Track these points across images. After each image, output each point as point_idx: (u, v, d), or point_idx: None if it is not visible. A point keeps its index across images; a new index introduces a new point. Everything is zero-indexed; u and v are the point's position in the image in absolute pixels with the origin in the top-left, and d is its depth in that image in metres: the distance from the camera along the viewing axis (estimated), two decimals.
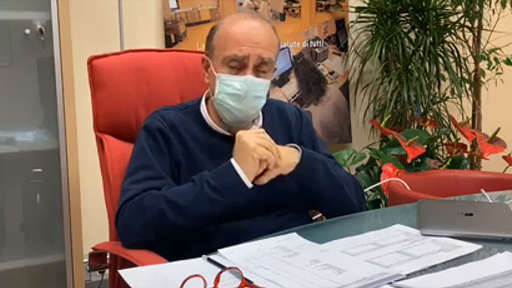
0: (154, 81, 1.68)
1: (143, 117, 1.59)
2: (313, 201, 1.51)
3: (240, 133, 1.35)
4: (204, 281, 0.95)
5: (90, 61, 1.62)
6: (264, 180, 1.34)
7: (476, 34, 3.18)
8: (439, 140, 3.10)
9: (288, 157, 1.39)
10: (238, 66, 1.42)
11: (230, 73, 1.43)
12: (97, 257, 1.55)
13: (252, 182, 1.33)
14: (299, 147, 1.42)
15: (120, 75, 1.65)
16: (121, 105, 1.64)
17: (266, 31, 1.45)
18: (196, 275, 0.95)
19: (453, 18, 3.14)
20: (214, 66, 1.46)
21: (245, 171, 1.31)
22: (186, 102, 1.61)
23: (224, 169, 1.33)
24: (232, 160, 1.33)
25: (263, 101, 1.48)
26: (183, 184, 1.39)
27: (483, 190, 1.70)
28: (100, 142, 1.63)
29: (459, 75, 3.11)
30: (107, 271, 1.60)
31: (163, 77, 1.70)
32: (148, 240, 1.34)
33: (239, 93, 1.41)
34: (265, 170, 1.34)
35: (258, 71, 1.43)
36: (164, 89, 1.70)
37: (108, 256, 1.56)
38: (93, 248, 1.54)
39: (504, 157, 2.80)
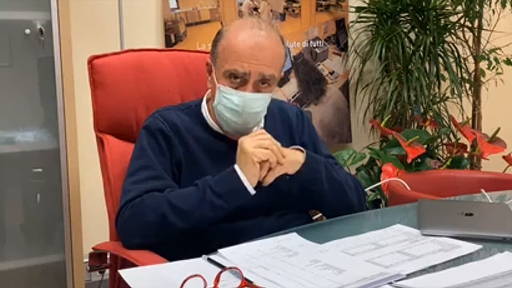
0: (154, 81, 1.68)
1: (143, 117, 1.59)
2: (314, 202, 1.51)
3: (241, 139, 1.35)
4: (204, 281, 0.95)
5: (90, 61, 1.62)
6: (270, 180, 1.33)
7: (476, 34, 3.18)
8: (439, 140, 3.10)
9: (293, 156, 1.38)
10: (238, 80, 1.40)
11: (230, 86, 1.40)
12: (98, 257, 1.55)
13: (257, 187, 1.32)
14: (303, 149, 1.42)
15: (120, 74, 1.65)
16: (121, 105, 1.64)
17: (271, 45, 1.41)
18: (196, 275, 0.95)
19: (453, 18, 3.13)
20: (216, 74, 1.44)
21: (247, 176, 1.31)
22: (187, 102, 1.61)
23: (227, 174, 1.33)
24: (235, 166, 1.32)
25: (263, 114, 1.47)
26: (184, 185, 1.39)
27: (483, 190, 1.70)
28: (100, 142, 1.63)
29: (459, 75, 3.11)
30: (107, 271, 1.60)
31: (164, 76, 1.70)
32: (148, 242, 1.34)
33: (236, 108, 1.40)
34: (270, 170, 1.33)
35: (259, 86, 1.41)
36: (165, 89, 1.69)
37: (108, 256, 1.56)
38: (93, 248, 1.54)
39: (504, 157, 2.80)
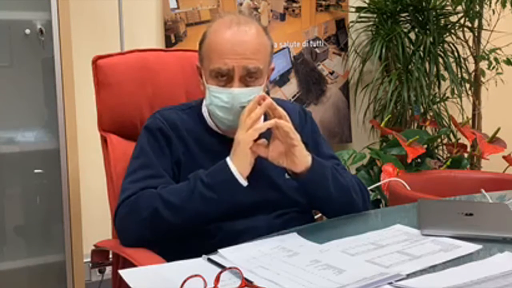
0: (159, 81, 1.68)
1: (147, 116, 1.58)
2: (319, 206, 1.50)
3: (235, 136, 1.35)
4: (204, 281, 0.96)
5: (95, 61, 1.62)
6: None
7: (476, 34, 3.18)
8: (439, 140, 3.10)
9: (304, 152, 1.36)
10: (225, 78, 1.40)
11: (218, 85, 1.41)
12: (100, 254, 1.55)
13: (249, 180, 1.32)
14: (309, 153, 1.40)
15: (125, 74, 1.65)
16: (125, 104, 1.64)
17: (252, 38, 1.41)
18: (196, 275, 0.95)
19: (453, 18, 3.14)
20: (204, 75, 1.45)
21: (239, 168, 1.30)
22: (189, 102, 1.61)
23: (218, 166, 1.33)
24: (227, 158, 1.33)
25: None
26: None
27: (483, 190, 1.70)
28: (104, 141, 1.64)
29: (459, 75, 3.11)
30: (107, 271, 1.60)
31: (169, 76, 1.70)
32: (144, 238, 1.34)
33: (226, 105, 1.40)
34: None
35: (246, 80, 1.40)
36: (169, 89, 1.69)
37: (110, 255, 1.56)
38: (95, 245, 1.54)
39: (504, 157, 2.80)
